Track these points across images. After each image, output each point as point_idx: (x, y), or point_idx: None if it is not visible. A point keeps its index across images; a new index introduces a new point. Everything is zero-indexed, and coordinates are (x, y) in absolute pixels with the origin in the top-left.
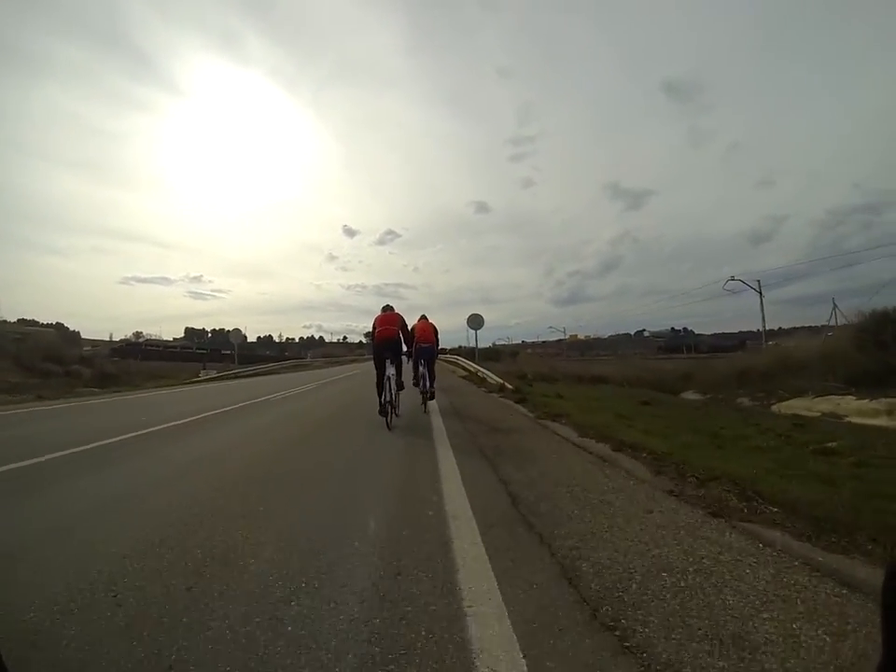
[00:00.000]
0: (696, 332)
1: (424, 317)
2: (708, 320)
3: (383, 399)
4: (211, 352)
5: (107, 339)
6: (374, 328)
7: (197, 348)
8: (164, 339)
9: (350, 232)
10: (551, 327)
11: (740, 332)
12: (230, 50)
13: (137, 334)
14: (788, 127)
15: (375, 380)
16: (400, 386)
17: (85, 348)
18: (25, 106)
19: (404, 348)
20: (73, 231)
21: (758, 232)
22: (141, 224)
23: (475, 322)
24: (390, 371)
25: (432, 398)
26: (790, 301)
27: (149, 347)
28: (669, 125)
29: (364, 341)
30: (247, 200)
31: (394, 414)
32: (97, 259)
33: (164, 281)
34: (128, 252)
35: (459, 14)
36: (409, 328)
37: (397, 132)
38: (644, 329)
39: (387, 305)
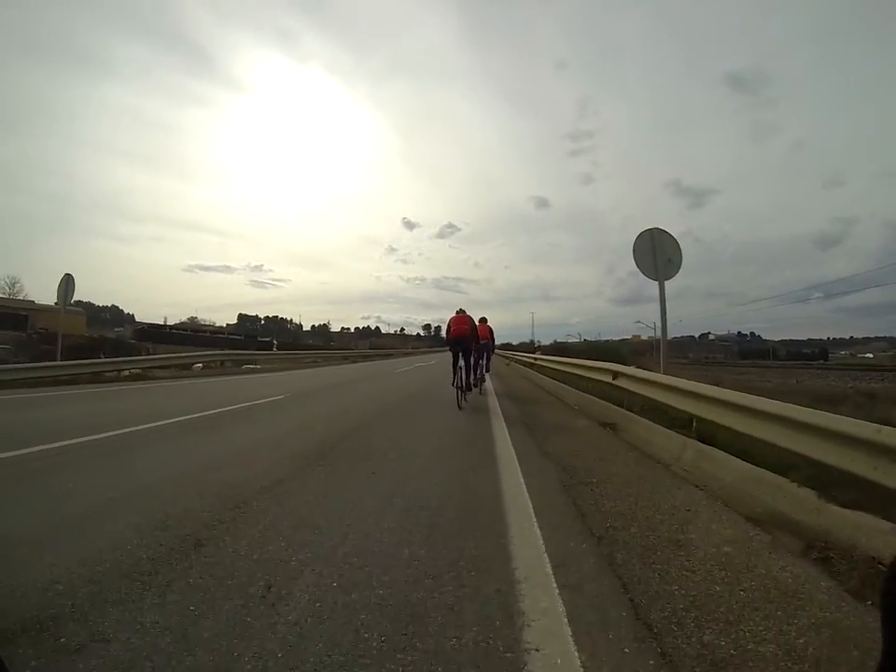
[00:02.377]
0: (763, 338)
1: (483, 319)
2: (769, 325)
3: (455, 382)
4: (246, 339)
5: (161, 322)
6: (450, 327)
7: (229, 334)
8: (218, 325)
9: (410, 225)
10: (638, 321)
11: (809, 339)
12: (286, 46)
13: (192, 318)
14: (858, 123)
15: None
16: (480, 377)
17: (116, 328)
18: (89, 102)
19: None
20: (136, 219)
21: (826, 235)
22: (203, 214)
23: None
24: (461, 362)
25: (483, 381)
26: (857, 310)
27: (175, 331)
28: (732, 120)
29: (422, 333)
30: (307, 191)
31: (463, 399)
32: (160, 247)
33: (226, 269)
34: (191, 241)
35: (515, 7)
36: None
37: (454, 125)
38: (709, 333)
39: (461, 309)
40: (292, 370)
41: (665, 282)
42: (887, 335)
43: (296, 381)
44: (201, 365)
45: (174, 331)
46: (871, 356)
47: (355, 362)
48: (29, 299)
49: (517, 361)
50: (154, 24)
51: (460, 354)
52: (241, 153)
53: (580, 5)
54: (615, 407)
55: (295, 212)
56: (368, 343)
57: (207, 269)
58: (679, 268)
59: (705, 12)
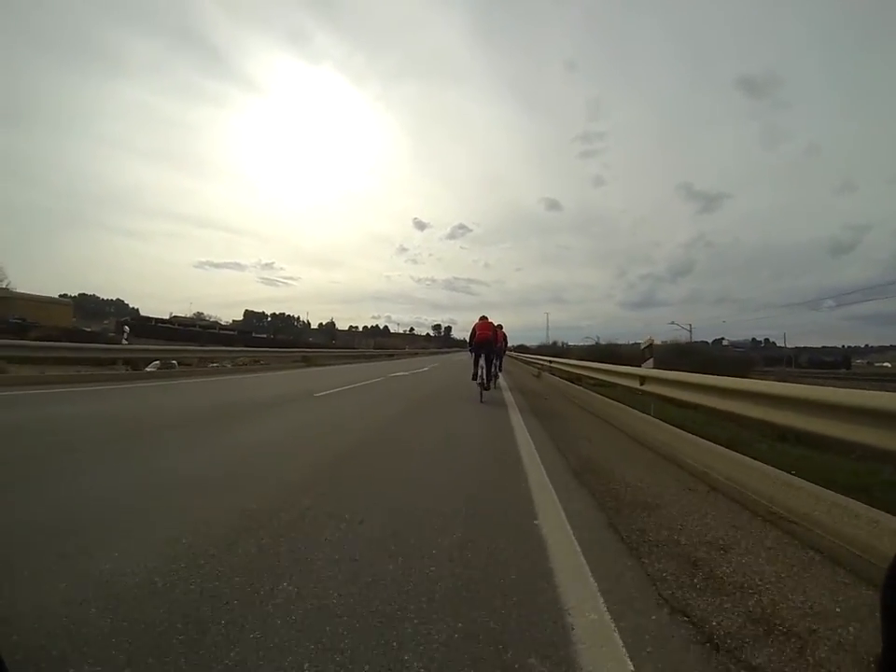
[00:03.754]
0: (777, 344)
1: (499, 326)
2: (781, 332)
3: (478, 379)
4: (241, 334)
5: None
6: (475, 331)
7: (220, 329)
8: (224, 321)
9: (420, 225)
10: (672, 322)
11: (823, 347)
12: (298, 46)
13: (198, 314)
14: (870, 127)
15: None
16: (493, 375)
17: (104, 321)
18: (105, 99)
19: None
20: (148, 215)
21: (838, 242)
22: (215, 211)
23: None
24: (482, 361)
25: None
26: (870, 318)
27: (161, 325)
28: (744, 124)
29: (431, 334)
30: (319, 190)
31: (483, 393)
32: (172, 243)
33: (237, 266)
34: (202, 238)
35: (525, 7)
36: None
37: (465, 126)
38: (723, 338)
39: (483, 315)
40: (210, 376)
41: (675, 285)
42: None
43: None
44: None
45: (160, 325)
46: (888, 364)
47: (319, 366)
48: (13, 288)
49: (557, 371)
50: (169, 23)
51: (483, 355)
52: (254, 151)
53: (590, 6)
54: None
55: (306, 210)
56: (372, 343)
57: (218, 266)
58: None
59: (717, 14)
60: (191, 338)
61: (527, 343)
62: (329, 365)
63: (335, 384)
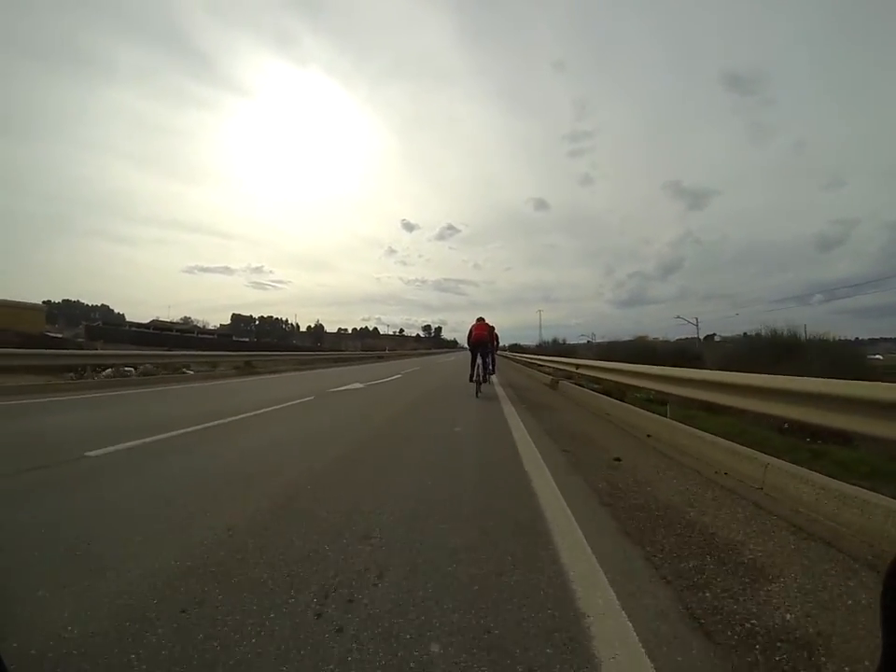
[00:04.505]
0: None
1: (492, 328)
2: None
3: (474, 376)
4: (221, 338)
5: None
6: (471, 332)
7: (199, 333)
8: (212, 325)
9: (409, 227)
10: (678, 316)
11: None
12: (286, 49)
13: (186, 319)
14: (858, 123)
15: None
16: (489, 372)
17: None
18: (92, 105)
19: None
20: (137, 221)
21: (826, 237)
22: (203, 216)
23: None
24: (479, 360)
25: (492, 374)
26: (859, 312)
27: (133, 328)
28: (731, 120)
29: (422, 335)
30: (308, 194)
31: (479, 390)
32: (161, 248)
33: (226, 270)
34: (191, 242)
35: (512, 8)
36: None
37: (453, 127)
38: (715, 334)
39: (480, 317)
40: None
41: (664, 282)
42: (891, 336)
43: None
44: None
45: (133, 330)
46: (880, 357)
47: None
48: None
49: (580, 378)
50: (154, 28)
51: (479, 354)
52: (242, 155)
53: (576, 5)
54: None
55: (295, 214)
56: (360, 345)
57: (207, 270)
58: None
59: (702, 11)
60: (162, 342)
61: (522, 342)
62: (279, 373)
63: (189, 418)
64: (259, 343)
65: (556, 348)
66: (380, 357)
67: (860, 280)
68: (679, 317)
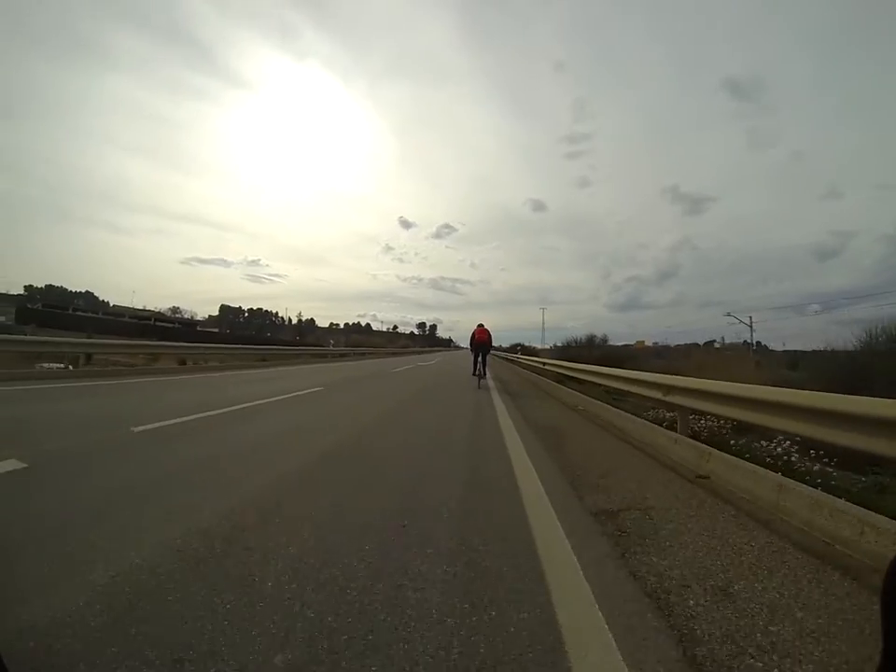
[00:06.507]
0: (769, 347)
1: (490, 333)
2: (769, 336)
3: (476, 372)
4: (186, 328)
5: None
6: (474, 335)
7: (156, 321)
8: (199, 316)
9: (406, 224)
10: (729, 313)
11: (814, 351)
12: (286, 42)
13: (174, 309)
14: (856, 135)
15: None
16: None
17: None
18: (90, 93)
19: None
20: (134, 210)
21: (823, 247)
22: (201, 207)
23: None
24: (479, 360)
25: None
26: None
27: (79, 313)
28: (730, 126)
29: (416, 332)
30: (306, 188)
31: (479, 384)
32: (159, 239)
33: (223, 263)
34: (189, 234)
35: (513, 8)
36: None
37: (451, 126)
38: (714, 340)
39: (481, 323)
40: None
41: (660, 289)
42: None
43: None
44: None
45: (78, 314)
46: None
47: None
48: None
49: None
50: (155, 17)
51: (479, 354)
52: (241, 148)
53: (578, 7)
54: None
55: (293, 208)
56: (343, 340)
57: (204, 262)
58: None
59: (703, 16)
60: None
61: (523, 343)
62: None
63: None
64: (230, 335)
65: (596, 351)
66: (362, 356)
67: (861, 295)
68: (729, 314)
